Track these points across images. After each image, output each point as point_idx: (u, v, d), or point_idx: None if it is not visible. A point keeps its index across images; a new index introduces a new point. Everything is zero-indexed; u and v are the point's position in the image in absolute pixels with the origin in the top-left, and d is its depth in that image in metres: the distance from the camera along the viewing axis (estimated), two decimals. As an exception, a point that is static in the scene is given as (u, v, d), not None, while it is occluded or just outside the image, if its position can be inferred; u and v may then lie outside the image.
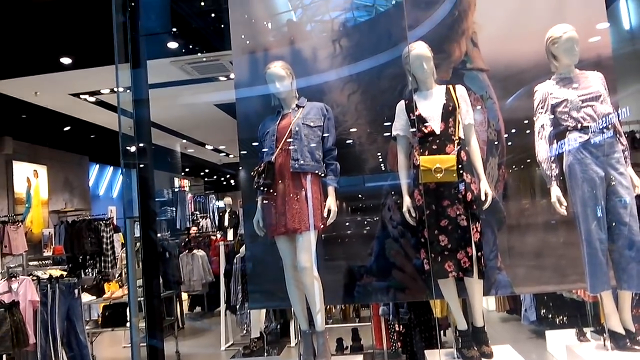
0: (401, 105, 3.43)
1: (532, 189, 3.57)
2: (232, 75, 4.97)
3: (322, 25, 3.81)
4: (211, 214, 13.54)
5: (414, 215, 3.30)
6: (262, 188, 3.32)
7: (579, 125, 3.17)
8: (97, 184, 13.03)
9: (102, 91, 7.06)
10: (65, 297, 5.28)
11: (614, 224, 3.09)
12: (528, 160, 3.50)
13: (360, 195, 3.71)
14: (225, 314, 6.99)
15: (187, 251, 8.70)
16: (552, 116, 3.26)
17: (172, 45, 4.80)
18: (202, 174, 16.80)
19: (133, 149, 3.45)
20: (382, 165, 3.64)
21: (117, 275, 7.81)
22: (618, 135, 3.18)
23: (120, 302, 6.09)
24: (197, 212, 13.11)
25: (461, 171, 3.18)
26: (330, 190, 3.38)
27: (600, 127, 3.12)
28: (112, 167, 13.43)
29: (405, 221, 3.37)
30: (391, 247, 3.57)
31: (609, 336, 3.17)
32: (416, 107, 3.29)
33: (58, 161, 10.62)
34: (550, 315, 5.63)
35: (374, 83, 3.65)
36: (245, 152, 3.76)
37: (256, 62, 3.77)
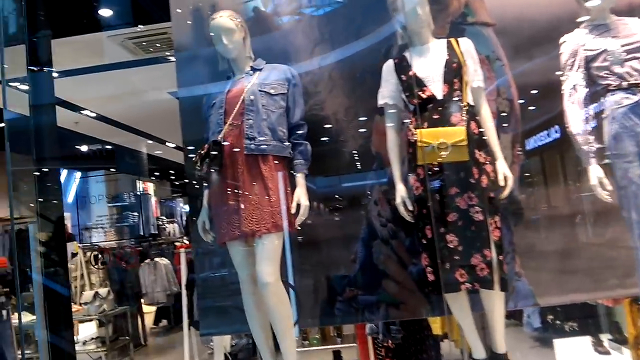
0: (389, 65, 2.65)
1: (559, 172, 2.87)
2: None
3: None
4: (179, 218, 12.90)
5: (410, 208, 2.54)
6: (206, 178, 2.51)
7: (625, 84, 2.51)
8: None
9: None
10: (-10, 320, 4.47)
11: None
12: (551, 136, 2.80)
13: (338, 189, 2.97)
14: (189, 330, 6.33)
15: (149, 260, 8.09)
16: (587, 73, 2.59)
17: (105, 13, 3.91)
18: (169, 176, 15.94)
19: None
20: (365, 147, 2.89)
21: (67, 289, 7.00)
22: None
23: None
24: (164, 217, 12.38)
25: (473, 148, 2.42)
26: (300, 179, 2.58)
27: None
28: (65, 170, 12.51)
29: (397, 217, 2.63)
30: (380, 250, 2.84)
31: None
32: (410, 66, 2.52)
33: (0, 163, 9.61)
34: (558, 321, 4.98)
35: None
36: (189, 137, 2.99)
37: (200, 20, 2.98)
